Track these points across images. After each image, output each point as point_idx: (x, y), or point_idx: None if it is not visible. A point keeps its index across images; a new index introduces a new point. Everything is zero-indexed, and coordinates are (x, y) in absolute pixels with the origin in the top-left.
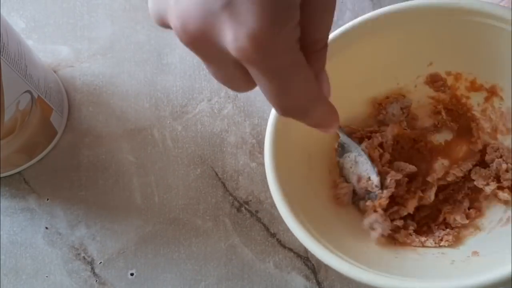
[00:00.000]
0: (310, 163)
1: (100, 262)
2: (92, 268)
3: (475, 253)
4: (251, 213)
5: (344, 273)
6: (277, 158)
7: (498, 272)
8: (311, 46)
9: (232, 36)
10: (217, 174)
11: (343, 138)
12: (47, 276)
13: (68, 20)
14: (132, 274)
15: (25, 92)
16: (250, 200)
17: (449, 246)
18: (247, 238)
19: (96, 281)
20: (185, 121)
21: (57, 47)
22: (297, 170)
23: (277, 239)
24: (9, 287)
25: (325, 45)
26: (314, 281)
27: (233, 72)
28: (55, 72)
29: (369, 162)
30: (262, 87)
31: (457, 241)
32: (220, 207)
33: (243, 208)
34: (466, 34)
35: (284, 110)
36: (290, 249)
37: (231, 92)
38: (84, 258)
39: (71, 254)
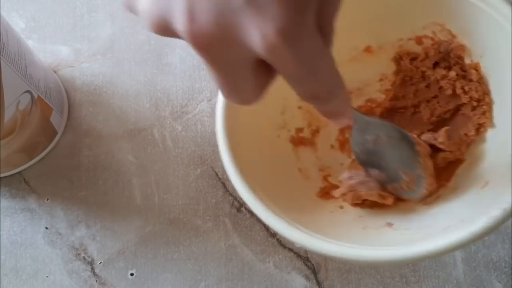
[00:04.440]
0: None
1: (100, 262)
2: (92, 268)
3: (389, 224)
4: (251, 213)
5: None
6: (229, 130)
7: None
8: (321, 30)
9: (259, 34)
10: (217, 174)
11: (361, 120)
12: (47, 276)
13: (68, 20)
14: (132, 274)
15: (25, 92)
16: None
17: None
18: (247, 238)
19: (96, 281)
20: (185, 121)
21: (57, 47)
22: (252, 144)
23: (277, 239)
24: (9, 287)
25: (333, 28)
26: (314, 281)
27: (244, 77)
28: (55, 72)
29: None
30: (288, 76)
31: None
32: (220, 207)
33: (243, 208)
34: None
35: (309, 96)
36: (290, 249)
37: None
38: (84, 258)
39: (71, 254)
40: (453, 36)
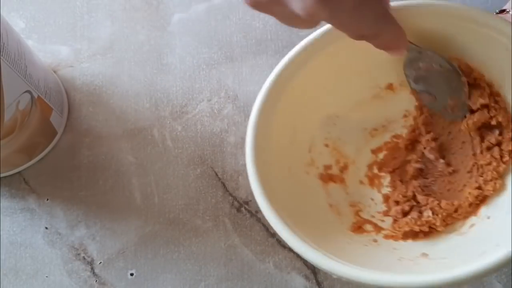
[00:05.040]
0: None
1: (100, 262)
2: (92, 268)
3: (424, 255)
4: (251, 213)
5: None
6: (258, 148)
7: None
8: None
9: (300, 4)
10: (217, 174)
11: (415, 50)
12: (47, 276)
13: (68, 20)
14: (132, 274)
15: (25, 92)
16: (250, 200)
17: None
18: (247, 238)
19: (96, 281)
20: (185, 121)
21: (57, 47)
22: (278, 161)
23: (277, 239)
24: (9, 287)
25: None
26: (314, 281)
27: (299, 21)
28: (55, 72)
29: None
30: (334, 24)
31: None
32: (220, 207)
33: (243, 208)
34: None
35: (358, 37)
36: (290, 250)
37: (231, 92)
38: (84, 258)
39: (71, 254)
40: (472, 70)
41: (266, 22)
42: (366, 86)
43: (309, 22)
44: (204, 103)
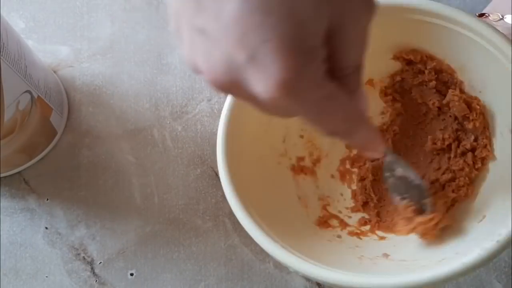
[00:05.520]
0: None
1: (100, 262)
2: (92, 268)
3: (385, 255)
4: None
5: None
6: (230, 152)
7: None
8: (343, 71)
9: (261, 87)
10: (217, 174)
11: (390, 157)
12: (47, 276)
13: (68, 20)
14: (132, 274)
15: (25, 92)
16: None
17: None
18: (247, 238)
19: (96, 281)
20: (185, 121)
21: (57, 47)
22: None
23: None
24: (9, 287)
25: (358, 66)
26: (314, 281)
27: (269, 107)
28: (55, 72)
29: (421, 181)
30: (302, 116)
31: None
32: (220, 207)
33: None
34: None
35: (328, 134)
36: None
37: None
38: (84, 258)
39: (71, 254)
40: (453, 71)
41: None
42: None
43: (281, 111)
44: (204, 103)
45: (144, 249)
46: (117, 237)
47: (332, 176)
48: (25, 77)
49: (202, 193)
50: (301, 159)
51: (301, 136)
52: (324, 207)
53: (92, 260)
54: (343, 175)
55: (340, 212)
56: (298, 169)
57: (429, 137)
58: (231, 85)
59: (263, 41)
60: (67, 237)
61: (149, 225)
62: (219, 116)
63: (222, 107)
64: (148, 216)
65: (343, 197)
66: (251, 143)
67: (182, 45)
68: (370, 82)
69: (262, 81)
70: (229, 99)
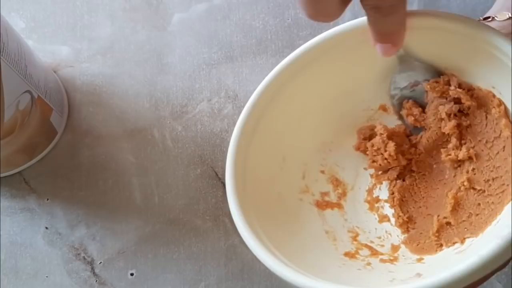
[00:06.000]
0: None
1: (100, 262)
2: (92, 268)
3: (418, 274)
4: None
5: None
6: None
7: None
8: None
9: None
10: (217, 174)
11: (408, 59)
12: (47, 276)
13: (68, 20)
14: (132, 274)
15: (25, 92)
16: None
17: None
18: None
19: (96, 281)
20: (185, 121)
21: (57, 47)
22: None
23: None
24: (9, 287)
25: None
26: None
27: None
28: (55, 72)
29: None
30: None
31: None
32: (220, 207)
33: None
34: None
35: (372, 5)
36: None
37: (231, 92)
38: (84, 258)
39: (71, 254)
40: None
41: (266, 22)
42: (359, 109)
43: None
44: (204, 103)
45: (144, 249)
46: (117, 237)
47: (361, 208)
48: (25, 77)
49: (202, 193)
50: (325, 194)
51: (322, 172)
52: (355, 238)
53: (92, 260)
54: (372, 205)
55: (372, 242)
56: (323, 204)
57: (441, 149)
58: None
59: None
60: (67, 237)
61: (149, 225)
62: (219, 116)
63: (222, 107)
64: (148, 216)
65: (374, 226)
66: (267, 183)
67: None
68: (383, 107)
69: None
70: (231, 147)
